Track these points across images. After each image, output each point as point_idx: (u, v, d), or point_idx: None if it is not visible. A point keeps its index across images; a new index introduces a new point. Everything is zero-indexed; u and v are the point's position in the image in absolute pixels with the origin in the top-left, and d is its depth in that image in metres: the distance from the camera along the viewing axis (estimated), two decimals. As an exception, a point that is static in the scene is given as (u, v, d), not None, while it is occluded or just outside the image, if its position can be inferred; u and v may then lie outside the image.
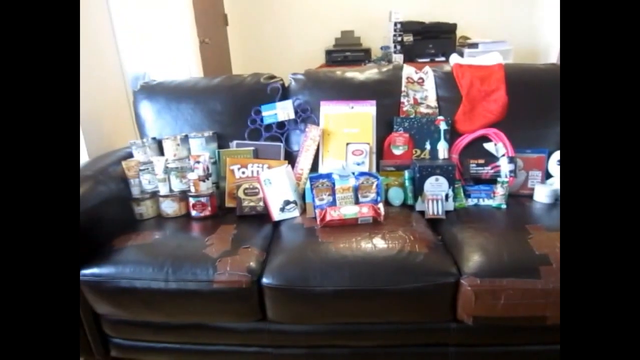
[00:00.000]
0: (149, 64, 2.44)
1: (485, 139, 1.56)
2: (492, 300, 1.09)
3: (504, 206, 1.42)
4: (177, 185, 1.48)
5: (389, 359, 1.26)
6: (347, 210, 1.29)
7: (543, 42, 3.39)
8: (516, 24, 3.48)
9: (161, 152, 1.58)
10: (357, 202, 1.36)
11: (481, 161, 1.50)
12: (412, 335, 1.21)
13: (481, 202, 1.46)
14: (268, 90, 1.64)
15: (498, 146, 1.52)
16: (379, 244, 1.19)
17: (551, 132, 1.56)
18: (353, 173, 1.39)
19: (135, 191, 1.46)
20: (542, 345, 1.21)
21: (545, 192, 1.44)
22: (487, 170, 1.50)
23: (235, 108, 1.63)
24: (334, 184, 1.35)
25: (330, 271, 1.13)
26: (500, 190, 1.42)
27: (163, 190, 1.46)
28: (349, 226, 1.29)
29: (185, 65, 2.82)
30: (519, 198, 1.50)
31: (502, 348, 1.22)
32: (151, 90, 1.68)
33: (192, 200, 1.44)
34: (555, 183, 1.47)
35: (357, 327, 1.21)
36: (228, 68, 3.65)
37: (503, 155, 1.50)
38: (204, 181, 1.44)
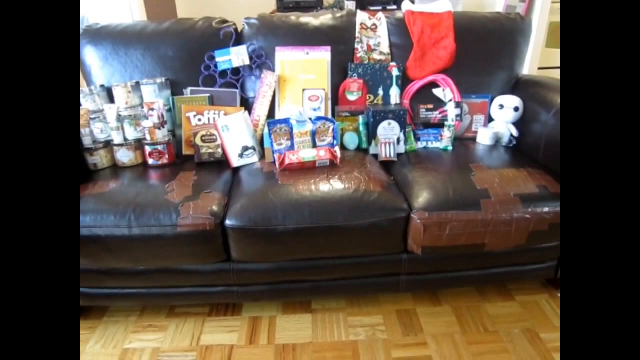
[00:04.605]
0: (88, 7, 2.27)
1: (435, 85, 1.63)
2: (438, 231, 1.20)
3: (450, 148, 1.53)
4: (131, 133, 1.44)
5: (346, 290, 1.38)
6: (306, 154, 1.34)
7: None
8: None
9: (111, 100, 1.52)
10: (314, 146, 1.40)
11: (430, 106, 1.58)
12: (368, 267, 1.32)
13: (430, 145, 1.56)
14: (221, 35, 1.60)
15: (446, 92, 1.60)
16: (336, 184, 1.25)
17: (494, 79, 1.66)
18: (310, 118, 1.42)
19: (86, 141, 1.42)
20: (480, 270, 1.37)
21: (487, 134, 1.56)
22: (436, 115, 1.59)
23: (188, 54, 1.59)
24: (292, 128, 1.39)
25: (291, 211, 1.19)
26: (447, 133, 1.52)
27: (117, 139, 1.43)
28: (308, 169, 1.34)
29: (126, 8, 2.64)
30: (463, 141, 1.61)
31: (447, 275, 1.37)
32: (95, 35, 1.58)
33: (148, 149, 1.42)
34: (496, 126, 1.59)
35: (317, 263, 1.30)
36: (172, 13, 3.44)
37: (450, 100, 1.58)
38: (159, 129, 1.42)
